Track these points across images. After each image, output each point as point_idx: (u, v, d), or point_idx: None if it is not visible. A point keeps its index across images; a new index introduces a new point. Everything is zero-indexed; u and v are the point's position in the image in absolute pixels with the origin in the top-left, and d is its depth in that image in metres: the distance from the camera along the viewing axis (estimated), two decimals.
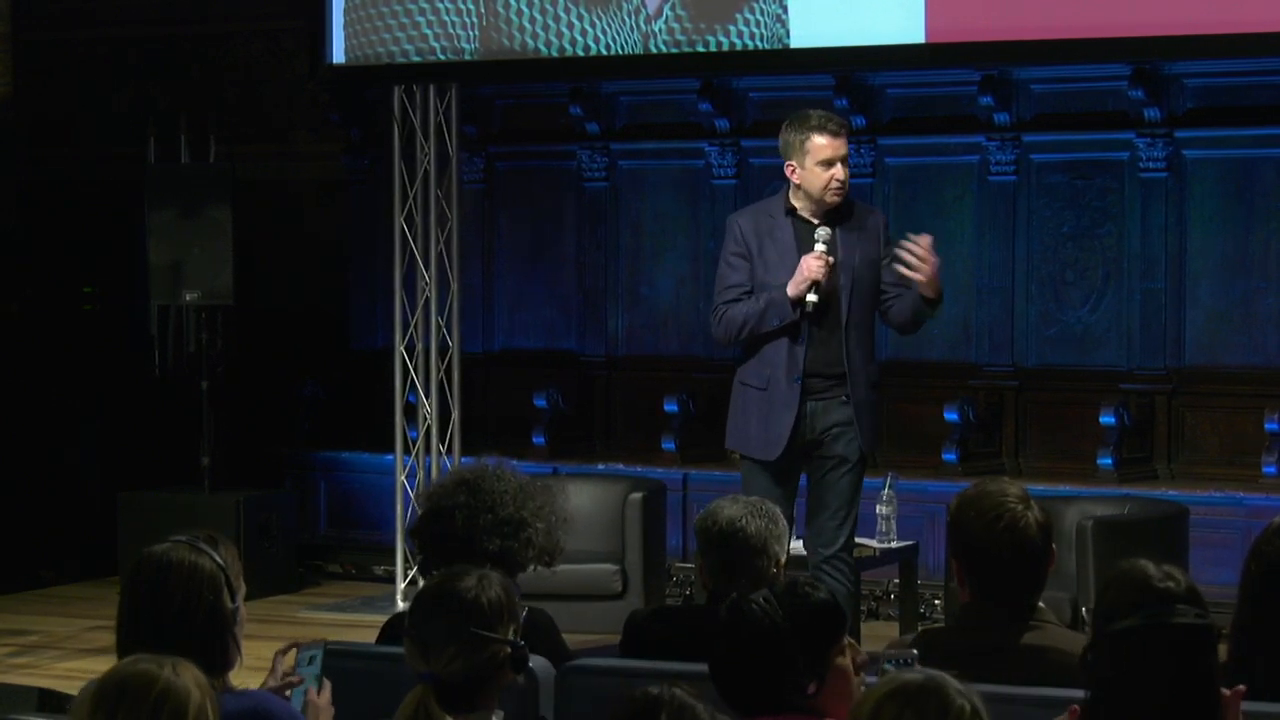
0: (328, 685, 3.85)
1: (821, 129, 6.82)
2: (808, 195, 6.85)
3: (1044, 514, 4.14)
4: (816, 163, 6.79)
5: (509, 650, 3.64)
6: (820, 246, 6.76)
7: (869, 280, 6.87)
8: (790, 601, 3.55)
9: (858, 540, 7.53)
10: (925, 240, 6.72)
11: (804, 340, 6.81)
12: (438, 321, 9.56)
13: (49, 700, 5.76)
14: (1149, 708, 3.01)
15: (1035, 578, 4.11)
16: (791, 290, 6.76)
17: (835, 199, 6.84)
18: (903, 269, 6.72)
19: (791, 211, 6.89)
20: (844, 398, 6.86)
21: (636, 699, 3.02)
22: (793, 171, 6.85)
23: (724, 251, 7.00)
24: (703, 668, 4.33)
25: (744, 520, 4.73)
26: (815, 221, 6.85)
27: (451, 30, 9.26)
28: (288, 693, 3.86)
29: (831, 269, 6.75)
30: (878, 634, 8.02)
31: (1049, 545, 4.11)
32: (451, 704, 3.57)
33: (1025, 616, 4.08)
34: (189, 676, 3.01)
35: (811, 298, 6.75)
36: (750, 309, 6.83)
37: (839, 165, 6.82)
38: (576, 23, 9.03)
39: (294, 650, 3.92)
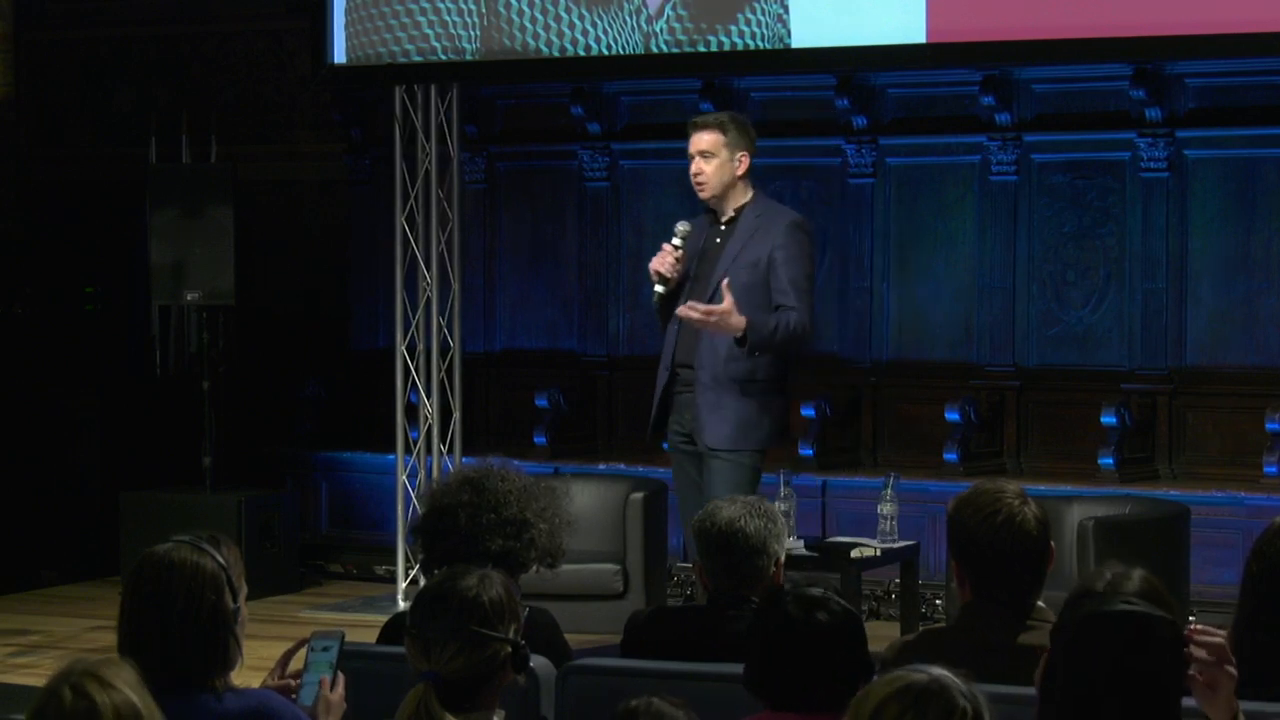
0: (341, 679, 3.83)
1: (690, 124, 7.04)
2: None
3: (1042, 512, 4.16)
4: (689, 158, 6.98)
5: (510, 649, 3.64)
6: (675, 240, 6.91)
7: (747, 280, 6.86)
8: (833, 603, 3.74)
9: (859, 540, 7.54)
10: (703, 308, 6.75)
11: (675, 331, 6.94)
12: (439, 321, 9.56)
13: None
14: (1093, 702, 2.95)
15: (1034, 574, 4.12)
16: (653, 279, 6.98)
17: (700, 194, 6.98)
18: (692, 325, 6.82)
19: (710, 210, 7.07)
20: (695, 391, 6.93)
21: (616, 713, 3.04)
22: None
23: None
24: (704, 667, 4.33)
25: (743, 520, 4.73)
26: (721, 217, 7.00)
27: (453, 30, 9.27)
28: (295, 682, 3.85)
29: (701, 260, 6.90)
30: (879, 634, 8.01)
31: (1047, 541, 4.13)
32: (452, 702, 3.57)
33: (1025, 616, 4.09)
34: (94, 689, 2.89)
35: (658, 289, 6.92)
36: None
37: (698, 159, 6.94)
38: (578, 23, 9.03)
39: (304, 650, 3.90)
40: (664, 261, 6.90)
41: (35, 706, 2.94)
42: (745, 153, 6.98)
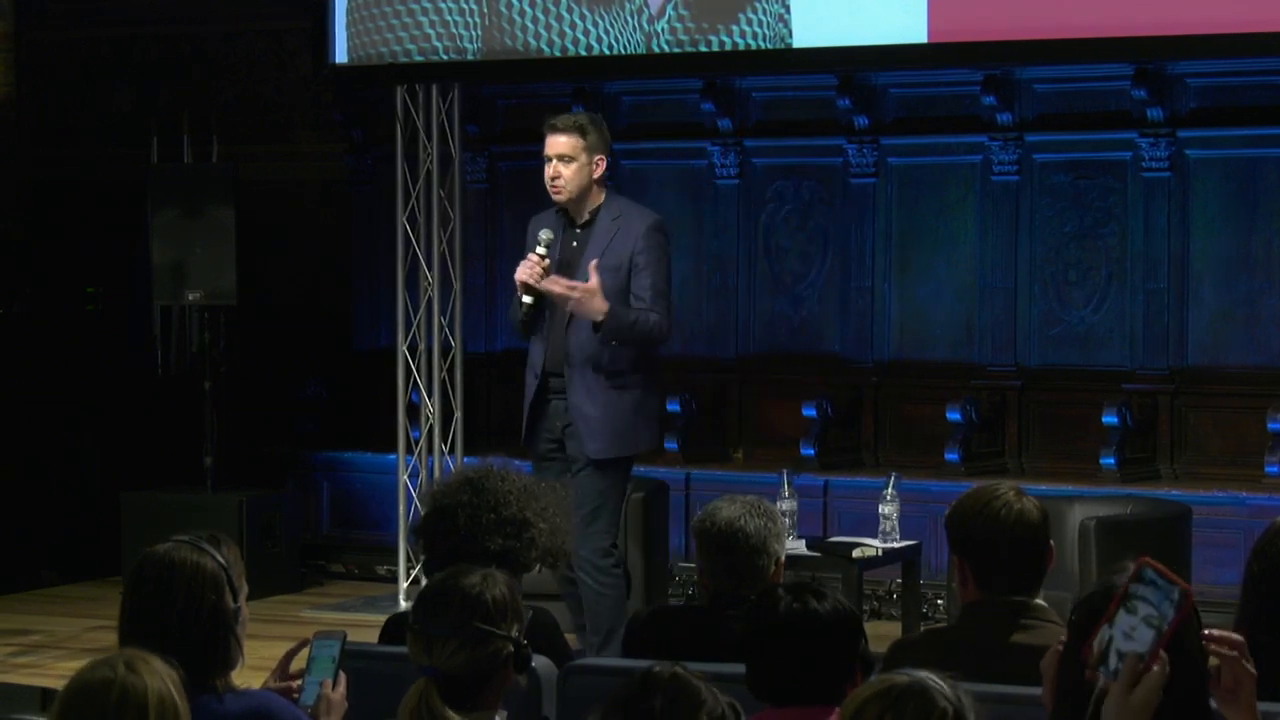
0: (343, 678, 3.83)
1: (547, 126, 7.03)
2: None
3: (1039, 507, 4.18)
4: (545, 161, 6.99)
5: (512, 648, 3.64)
6: (539, 250, 6.86)
7: (610, 284, 6.87)
8: (825, 594, 3.79)
9: (861, 540, 7.53)
10: (565, 282, 6.80)
11: (543, 339, 6.96)
12: (440, 321, 9.56)
13: (51, 700, 5.76)
14: None
15: (1035, 567, 4.13)
16: (519, 290, 6.94)
17: (556, 197, 6.97)
18: (556, 299, 6.85)
19: (562, 211, 7.04)
20: (568, 399, 6.93)
21: (634, 678, 3.03)
22: None
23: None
24: (704, 667, 4.33)
25: (742, 520, 4.72)
26: (577, 221, 7.01)
27: (454, 30, 9.26)
28: (297, 683, 3.85)
29: (557, 267, 6.86)
30: (880, 634, 8.01)
31: (1047, 535, 4.14)
32: (454, 699, 3.57)
33: (1025, 615, 4.09)
34: (146, 672, 3.01)
35: (526, 299, 6.89)
36: (513, 303, 7.03)
37: (556, 163, 6.95)
38: (579, 22, 9.02)
39: (305, 650, 3.90)
40: (533, 272, 6.84)
41: (86, 667, 3.05)
42: (602, 156, 7.02)
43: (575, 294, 6.76)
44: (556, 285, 6.79)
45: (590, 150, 6.97)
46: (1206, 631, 3.00)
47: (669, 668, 3.01)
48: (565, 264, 6.93)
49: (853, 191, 10.02)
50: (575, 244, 6.99)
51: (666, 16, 8.89)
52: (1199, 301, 9.38)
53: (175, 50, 11.46)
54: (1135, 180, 9.45)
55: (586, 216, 7.01)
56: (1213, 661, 3.02)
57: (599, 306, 6.77)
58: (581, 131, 6.97)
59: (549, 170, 6.96)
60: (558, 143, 6.96)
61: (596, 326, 6.80)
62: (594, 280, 6.77)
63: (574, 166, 6.95)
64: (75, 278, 10.89)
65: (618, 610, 6.86)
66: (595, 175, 6.99)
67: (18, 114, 11.44)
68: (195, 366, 10.08)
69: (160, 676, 3.01)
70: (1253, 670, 3.01)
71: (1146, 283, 9.44)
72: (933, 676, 2.67)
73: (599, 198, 7.03)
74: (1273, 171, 9.24)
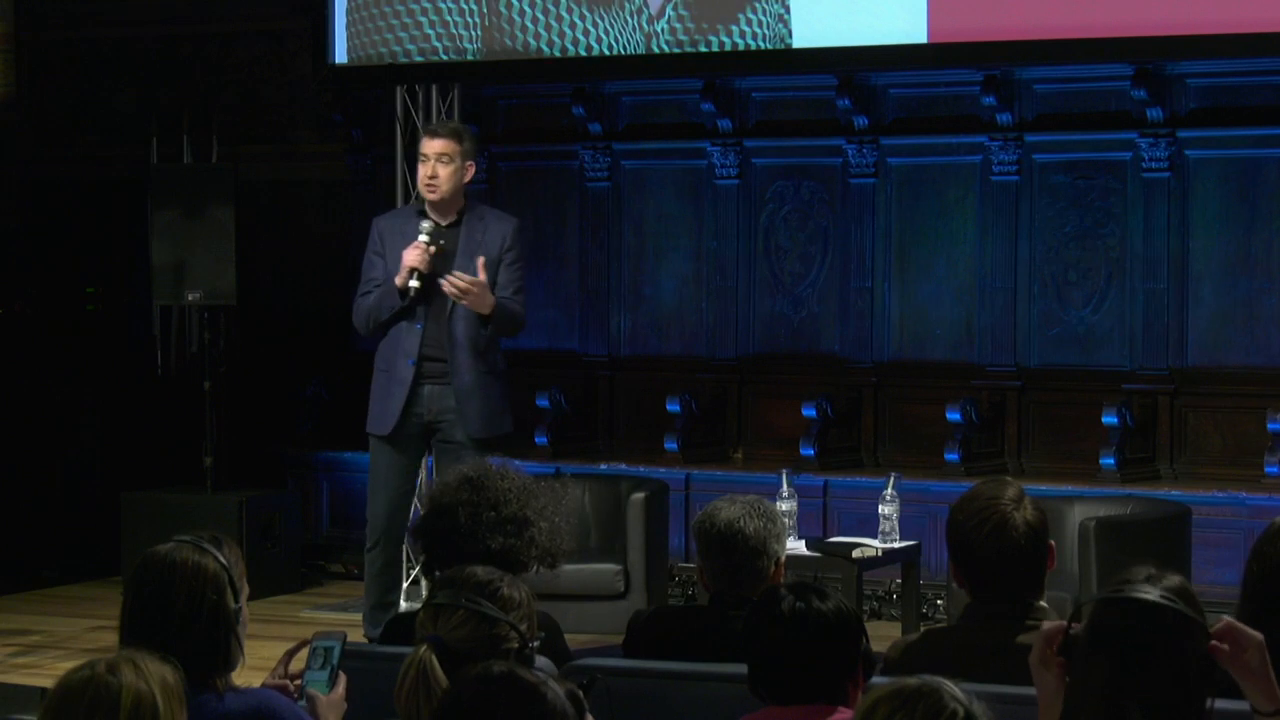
0: (342, 679, 3.83)
1: (426, 131, 7.75)
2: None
3: (1037, 515, 4.15)
4: (420, 161, 7.63)
5: (517, 643, 3.62)
6: (423, 238, 7.46)
7: (486, 278, 7.51)
8: (826, 592, 3.82)
9: (861, 541, 7.54)
10: (468, 278, 7.43)
11: (419, 326, 7.52)
12: None
13: None
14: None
15: (1026, 578, 4.12)
16: (398, 280, 7.54)
17: (430, 195, 7.60)
18: (451, 295, 7.47)
19: (424, 212, 7.64)
20: (452, 383, 7.56)
21: (467, 678, 2.98)
22: None
23: (366, 250, 7.83)
24: (705, 667, 4.33)
25: (742, 521, 4.72)
26: (443, 220, 7.61)
27: (454, 30, 9.27)
28: (296, 682, 3.85)
29: (434, 257, 7.47)
30: (880, 634, 8.02)
31: (1039, 546, 4.12)
32: (453, 673, 3.54)
33: (1025, 616, 4.09)
34: (127, 672, 2.99)
35: (413, 283, 7.52)
36: (373, 300, 7.62)
37: (434, 163, 7.59)
38: (579, 23, 9.03)
39: (305, 650, 3.90)
40: (421, 257, 7.46)
41: (73, 668, 3.05)
42: (472, 163, 7.73)
43: (475, 290, 7.41)
44: (459, 282, 7.40)
45: (464, 155, 7.65)
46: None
47: (504, 666, 2.99)
48: (438, 259, 7.53)
49: (853, 191, 10.02)
50: (441, 239, 7.58)
51: (666, 17, 8.89)
52: (1199, 301, 9.38)
53: (176, 50, 11.45)
54: (1135, 180, 9.45)
55: (454, 216, 7.63)
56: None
57: (490, 300, 7.47)
58: (458, 137, 7.68)
59: (426, 169, 7.61)
60: (436, 144, 7.65)
61: (485, 319, 7.43)
62: (483, 276, 7.44)
63: (450, 168, 7.61)
64: (75, 278, 10.89)
65: None
66: (466, 179, 7.68)
67: (18, 114, 11.44)
68: (195, 366, 10.08)
69: (145, 677, 2.99)
70: (1258, 636, 3.03)
71: (1146, 283, 9.44)
72: (947, 681, 2.69)
73: (463, 201, 7.70)
74: (1273, 171, 9.24)
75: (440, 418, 7.60)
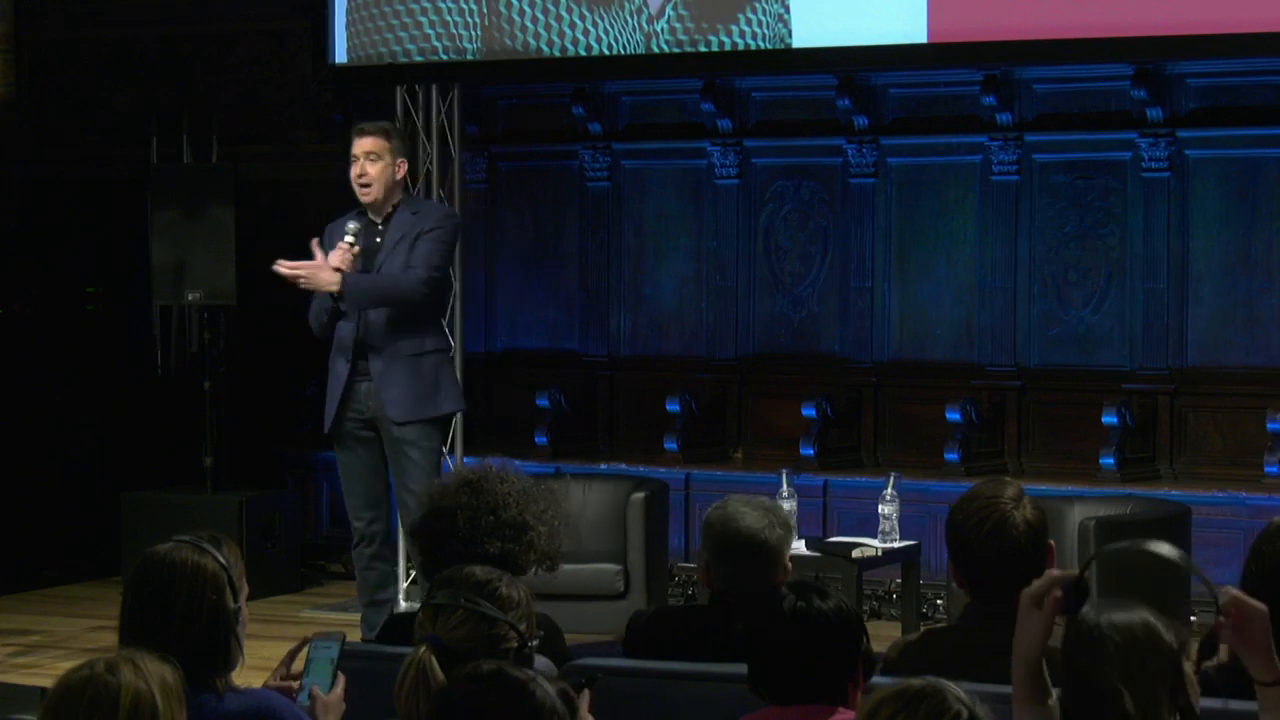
0: (341, 679, 3.83)
1: (356, 130, 7.67)
2: None
3: (1037, 514, 4.15)
4: (351, 161, 7.58)
5: (516, 642, 3.62)
6: (348, 239, 7.43)
7: (403, 259, 7.50)
8: (827, 592, 3.82)
9: (861, 540, 7.54)
10: (293, 262, 7.41)
11: (354, 324, 7.47)
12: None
13: None
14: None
15: (1026, 578, 4.11)
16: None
17: (364, 196, 7.56)
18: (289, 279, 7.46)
19: (363, 211, 7.61)
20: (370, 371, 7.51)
21: (459, 678, 2.99)
22: None
23: None
24: (706, 667, 4.33)
25: (766, 533, 4.66)
26: (378, 218, 7.59)
27: (454, 30, 9.27)
28: (296, 683, 3.85)
29: (359, 256, 7.43)
30: (880, 634, 8.02)
31: (1038, 546, 4.12)
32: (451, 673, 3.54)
33: None
34: (126, 671, 3.00)
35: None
36: (315, 304, 7.56)
37: (363, 161, 7.56)
38: (579, 23, 9.03)
39: (306, 650, 3.90)
40: (344, 259, 7.41)
41: (72, 668, 3.05)
42: (404, 160, 7.66)
43: (301, 273, 7.37)
44: (282, 268, 7.41)
45: (394, 152, 7.59)
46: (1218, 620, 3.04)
47: (493, 664, 2.99)
48: (367, 256, 7.51)
49: (852, 191, 10.02)
50: (378, 238, 7.57)
51: (666, 16, 8.89)
52: (1199, 301, 9.38)
53: (175, 50, 11.45)
54: (1135, 180, 9.46)
55: (389, 210, 7.60)
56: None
57: (328, 278, 7.37)
58: (387, 135, 7.65)
59: (356, 169, 7.56)
60: (365, 143, 7.59)
61: (336, 297, 7.38)
62: (318, 257, 7.36)
63: (380, 165, 7.56)
64: (75, 278, 10.89)
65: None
66: (398, 176, 7.60)
67: (18, 114, 11.44)
68: (195, 366, 10.08)
69: (144, 676, 2.99)
70: (1261, 606, 3.04)
71: (1146, 283, 9.45)
72: (946, 681, 2.70)
73: (398, 197, 7.63)
74: (1273, 171, 9.24)
75: (379, 411, 7.52)
